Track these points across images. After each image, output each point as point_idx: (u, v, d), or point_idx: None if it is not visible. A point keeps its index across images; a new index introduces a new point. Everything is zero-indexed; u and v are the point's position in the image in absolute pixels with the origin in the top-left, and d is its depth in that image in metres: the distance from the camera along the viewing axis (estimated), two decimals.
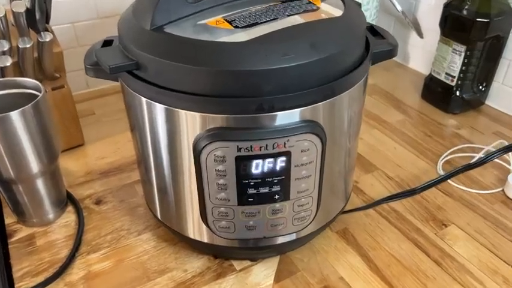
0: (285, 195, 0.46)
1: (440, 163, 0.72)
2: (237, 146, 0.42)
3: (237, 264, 0.55)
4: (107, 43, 0.50)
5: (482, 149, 0.72)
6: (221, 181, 0.44)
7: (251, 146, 0.42)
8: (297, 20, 0.44)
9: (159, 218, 0.56)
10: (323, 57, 0.41)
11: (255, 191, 0.45)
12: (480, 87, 0.84)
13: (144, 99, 0.45)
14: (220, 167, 0.43)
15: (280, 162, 0.43)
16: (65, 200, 0.64)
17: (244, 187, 0.44)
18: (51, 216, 0.62)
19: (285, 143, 0.42)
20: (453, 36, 0.80)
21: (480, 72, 0.81)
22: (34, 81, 0.56)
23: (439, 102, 0.87)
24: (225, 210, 0.46)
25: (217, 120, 0.41)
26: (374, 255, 0.57)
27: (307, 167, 0.45)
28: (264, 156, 0.43)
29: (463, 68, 0.80)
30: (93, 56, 0.47)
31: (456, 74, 0.82)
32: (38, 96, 0.55)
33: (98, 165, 0.73)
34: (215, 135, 0.42)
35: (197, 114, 0.42)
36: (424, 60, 0.99)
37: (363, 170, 0.71)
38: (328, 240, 0.59)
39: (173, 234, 0.57)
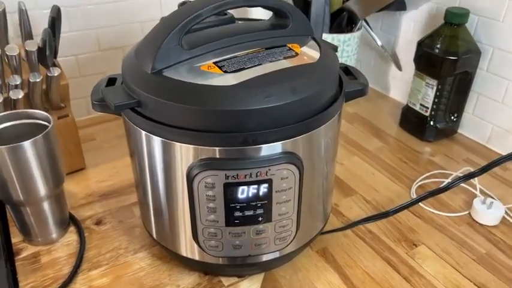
0: (267, 218, 0.52)
1: (413, 188, 0.79)
2: (225, 174, 0.48)
3: (225, 281, 0.61)
4: (111, 81, 0.56)
5: (452, 175, 0.79)
6: (211, 205, 0.50)
7: (237, 174, 0.48)
8: (278, 65, 0.51)
9: (155, 237, 0.61)
10: (301, 98, 0.48)
11: (240, 214, 0.51)
12: (452, 117, 0.91)
13: (143, 133, 0.51)
14: (210, 193, 0.49)
15: (263, 188, 0.50)
16: (68, 220, 0.70)
17: (231, 210, 0.50)
18: (54, 235, 0.67)
19: (267, 172, 0.48)
20: (426, 71, 0.88)
21: (451, 104, 0.89)
22: (44, 113, 0.62)
23: (415, 131, 0.94)
24: (214, 231, 0.52)
25: (208, 151, 0.48)
26: (350, 273, 0.62)
27: (287, 192, 0.51)
28: (248, 183, 0.49)
29: (436, 99, 0.88)
30: (100, 93, 0.53)
31: (430, 105, 0.89)
32: (47, 126, 0.61)
33: (98, 188, 0.78)
34: (206, 164, 0.48)
35: (191, 147, 0.48)
36: (402, 90, 1.06)
37: (343, 193, 0.78)
38: (309, 258, 0.64)
39: (167, 253, 0.63)
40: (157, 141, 0.50)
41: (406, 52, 1.02)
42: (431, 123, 0.91)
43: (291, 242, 0.56)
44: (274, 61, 0.52)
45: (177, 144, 0.48)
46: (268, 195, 0.50)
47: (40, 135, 0.58)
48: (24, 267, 0.63)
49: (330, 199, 0.63)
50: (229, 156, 0.48)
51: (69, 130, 0.77)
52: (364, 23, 1.05)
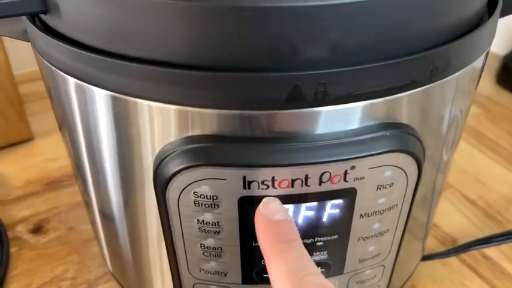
0: (334, 268, 0.24)
1: None
2: (244, 178, 0.19)
3: None
4: None
5: None
6: (210, 241, 0.22)
7: (273, 179, 0.19)
8: None
9: (111, 270, 0.34)
10: None
11: None
12: None
13: (70, 81, 0.23)
14: (207, 217, 0.21)
15: (332, 209, 0.21)
16: None
17: (256, 254, 0.22)
18: None
19: (345, 173, 0.20)
20: None
21: None
22: None
23: None
24: None
25: (201, 120, 0.19)
26: None
27: (384, 216, 0.22)
28: (299, 199, 0.20)
29: None
30: None
31: None
32: None
33: (47, 170, 0.51)
34: (198, 152, 0.19)
35: (155, 106, 0.19)
36: (499, 36, 0.74)
37: None
38: None
39: None
40: (100, 99, 0.22)
41: None
42: None
43: None
44: None
45: (130, 101, 0.20)
46: (344, 224, 0.22)
47: None
48: None
49: (437, 205, 0.35)
50: (254, 134, 0.19)
51: (1, 85, 0.49)
52: None
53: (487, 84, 0.68)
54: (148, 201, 0.24)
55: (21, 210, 0.46)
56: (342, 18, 0.18)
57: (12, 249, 0.42)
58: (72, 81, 0.23)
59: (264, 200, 0.20)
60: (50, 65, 0.24)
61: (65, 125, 0.28)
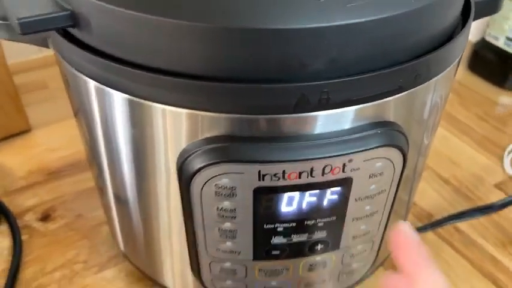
0: (332, 244, 0.28)
1: (507, 158, 0.55)
2: (259, 172, 0.23)
3: None
4: None
5: None
6: (227, 225, 0.26)
7: (283, 172, 0.23)
8: None
9: (123, 250, 0.38)
10: (422, 6, 0.22)
11: (284, 240, 0.26)
12: None
13: (90, 83, 0.25)
14: (226, 204, 0.24)
15: (332, 195, 0.25)
16: None
17: (266, 235, 0.26)
18: None
19: (344, 165, 0.23)
20: None
21: None
22: None
23: (492, 75, 0.69)
24: (233, 267, 0.28)
25: (222, 123, 0.22)
26: None
27: (375, 199, 0.26)
28: (305, 188, 0.24)
29: None
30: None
31: None
32: None
33: (47, 160, 0.53)
34: (219, 151, 0.22)
35: (182, 112, 0.22)
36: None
37: None
38: (375, 278, 0.41)
39: (144, 276, 0.39)
40: (118, 101, 0.24)
41: None
42: None
43: (364, 274, 0.32)
44: None
45: (158, 107, 0.23)
46: (341, 208, 0.26)
47: None
48: None
49: (417, 186, 0.39)
50: (267, 134, 0.22)
51: None
52: None
53: (459, 70, 0.73)
54: (160, 189, 0.27)
55: (27, 199, 0.49)
56: (340, 37, 0.21)
57: (23, 237, 0.44)
58: (93, 84, 0.26)
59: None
60: (73, 69, 0.26)
61: (82, 115, 0.30)
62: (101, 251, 0.43)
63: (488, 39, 0.68)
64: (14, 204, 0.48)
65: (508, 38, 0.65)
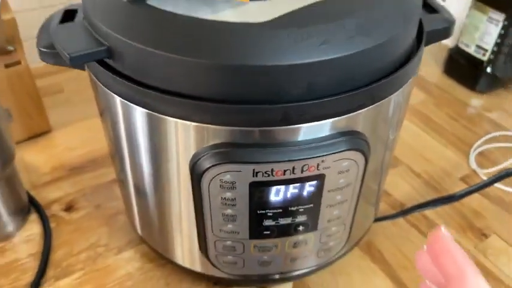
0: (311, 226, 0.35)
1: (472, 155, 0.62)
2: (253, 170, 0.30)
3: None
4: (68, 15, 0.36)
5: None
6: (228, 211, 0.33)
7: (272, 170, 0.30)
8: None
9: (140, 233, 0.45)
10: (377, 44, 0.29)
11: (273, 223, 0.34)
12: None
13: (118, 99, 0.32)
14: (228, 195, 0.32)
15: (309, 188, 0.32)
16: (27, 206, 0.52)
17: (259, 218, 0.33)
18: (10, 228, 0.50)
19: (318, 165, 0.31)
20: (490, 2, 0.68)
21: None
22: None
23: (465, 79, 0.76)
24: (233, 245, 0.35)
25: (225, 133, 0.29)
26: (406, 277, 0.47)
27: (344, 190, 0.34)
28: (288, 182, 0.31)
29: (499, 40, 0.68)
30: (50, 34, 0.33)
31: (490, 47, 0.70)
32: None
33: (68, 158, 0.60)
34: (222, 154, 0.30)
35: (194, 125, 0.30)
36: None
37: None
38: (351, 257, 0.49)
39: (158, 255, 0.46)
40: (140, 114, 0.31)
41: None
42: (488, 69, 0.72)
43: (339, 251, 0.40)
44: None
45: (172, 121, 0.30)
46: (317, 197, 0.33)
47: None
48: None
49: (386, 178, 0.46)
50: (260, 141, 0.30)
51: (24, 82, 0.57)
52: None
53: (436, 73, 0.80)
54: (173, 183, 0.34)
55: (52, 192, 0.55)
56: (313, 70, 0.28)
57: (52, 225, 0.51)
58: (119, 99, 0.33)
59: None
60: (104, 87, 0.33)
61: (108, 120, 0.37)
62: (119, 236, 0.51)
63: (461, 46, 0.75)
64: (41, 196, 0.55)
65: (477, 46, 0.72)
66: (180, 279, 0.46)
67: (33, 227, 0.51)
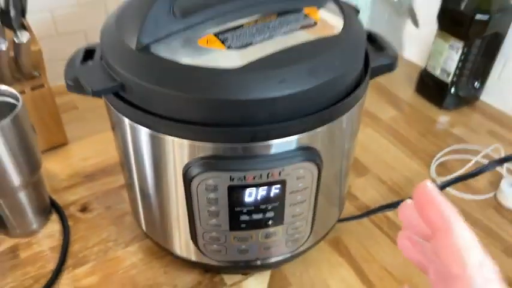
0: (278, 220, 0.44)
1: (433, 165, 0.71)
2: (230, 176, 0.40)
3: (227, 279, 0.54)
4: (89, 53, 0.46)
5: (477, 151, 0.71)
6: (212, 208, 0.42)
7: (244, 176, 0.40)
8: (294, 38, 0.41)
9: (144, 230, 0.54)
10: (323, 82, 0.38)
11: (247, 218, 0.43)
12: (476, 83, 0.82)
13: (127, 121, 0.42)
14: (211, 195, 0.41)
15: (275, 190, 0.42)
16: (49, 207, 0.62)
17: (236, 214, 0.43)
18: (35, 226, 0.59)
19: (280, 172, 0.40)
20: (451, 31, 0.77)
21: (477, 69, 0.79)
22: (12, 90, 0.52)
23: (433, 98, 0.85)
24: (217, 235, 0.45)
25: (209, 148, 0.39)
26: (367, 268, 0.56)
27: (302, 192, 0.43)
28: (257, 185, 0.41)
29: (460, 64, 0.78)
30: (75, 70, 0.43)
31: (452, 71, 0.79)
32: (16, 105, 0.51)
33: (82, 167, 0.70)
34: (207, 164, 0.39)
35: (186, 142, 0.39)
36: (419, 51, 0.96)
37: (356, 172, 0.70)
38: (321, 252, 0.58)
39: (159, 248, 0.56)
40: (144, 133, 0.41)
41: (426, 8, 0.91)
42: (452, 90, 0.81)
43: (305, 242, 0.49)
44: (288, 33, 0.42)
45: (169, 138, 0.40)
46: (281, 198, 0.42)
47: (7, 119, 0.49)
48: (2, 264, 0.55)
49: (347, 183, 0.55)
50: (235, 154, 0.39)
51: (46, 102, 0.67)
52: None
53: (408, 91, 0.89)
54: (171, 186, 0.43)
55: (70, 196, 0.65)
56: (275, 103, 0.37)
57: (70, 223, 0.61)
58: (127, 121, 0.42)
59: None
60: (116, 111, 0.43)
61: (119, 136, 0.46)
62: (126, 233, 0.60)
63: (429, 69, 0.84)
64: (60, 199, 0.64)
65: (442, 69, 0.81)
66: (176, 268, 0.55)
67: (54, 225, 0.61)
